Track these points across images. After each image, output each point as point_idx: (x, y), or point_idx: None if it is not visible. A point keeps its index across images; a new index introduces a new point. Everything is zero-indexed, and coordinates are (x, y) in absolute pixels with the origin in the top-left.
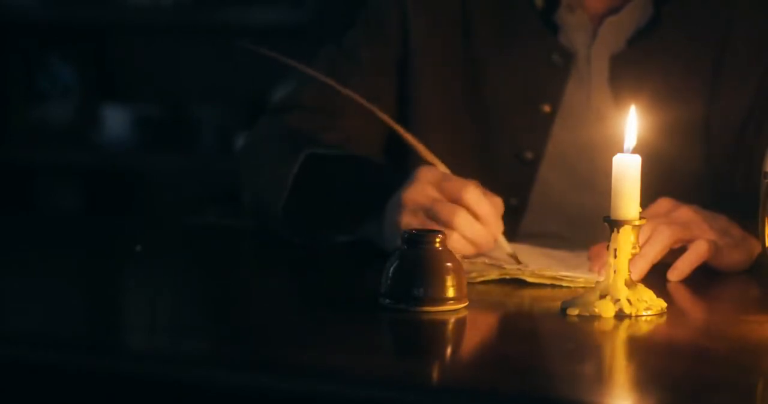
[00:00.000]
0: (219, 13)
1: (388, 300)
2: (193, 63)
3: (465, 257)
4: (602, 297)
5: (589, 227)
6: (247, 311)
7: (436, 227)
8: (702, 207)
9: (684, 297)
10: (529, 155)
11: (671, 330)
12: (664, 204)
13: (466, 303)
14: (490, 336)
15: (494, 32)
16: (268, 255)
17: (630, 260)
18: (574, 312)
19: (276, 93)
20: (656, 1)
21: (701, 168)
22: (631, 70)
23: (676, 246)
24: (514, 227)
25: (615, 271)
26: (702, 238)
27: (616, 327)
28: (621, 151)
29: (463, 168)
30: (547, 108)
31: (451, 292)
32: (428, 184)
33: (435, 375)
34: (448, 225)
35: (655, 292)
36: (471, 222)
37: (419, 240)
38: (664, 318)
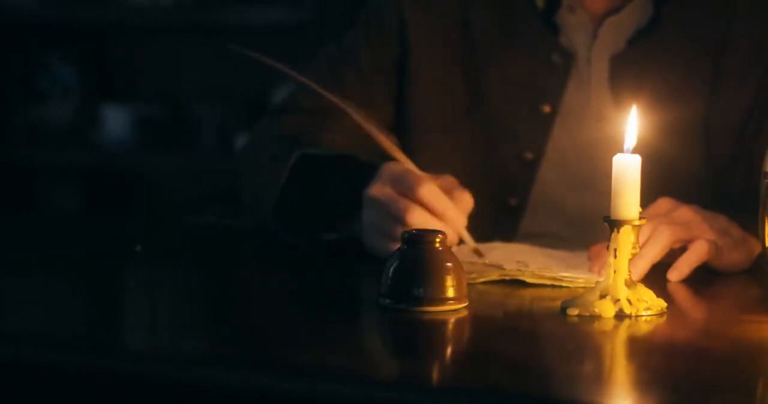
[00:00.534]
0: (219, 13)
1: (388, 300)
2: (193, 63)
3: None
4: (602, 297)
5: (588, 227)
6: (247, 311)
7: (396, 224)
8: (702, 208)
9: (684, 297)
10: (529, 155)
11: (671, 330)
12: (664, 204)
13: (466, 303)
14: (490, 336)
15: (494, 32)
16: (268, 255)
17: (630, 260)
18: (574, 312)
19: (276, 93)
20: (656, 1)
21: (701, 168)
22: (631, 70)
23: (676, 246)
24: (513, 227)
25: (615, 271)
26: (702, 238)
27: (616, 327)
28: (621, 151)
29: (462, 167)
30: (547, 108)
31: (451, 292)
32: (387, 181)
33: (435, 375)
34: (402, 222)
35: (655, 292)
36: (425, 219)
37: (419, 240)
38: (664, 318)
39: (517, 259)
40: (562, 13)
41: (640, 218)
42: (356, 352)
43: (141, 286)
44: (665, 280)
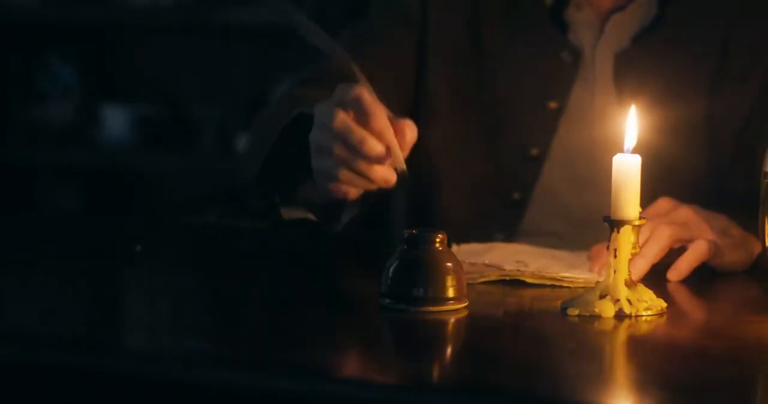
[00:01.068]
0: (219, 13)
1: (388, 300)
2: (193, 63)
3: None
4: (602, 297)
5: (590, 226)
6: (247, 311)
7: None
8: (702, 207)
9: (684, 297)
10: (534, 152)
11: (671, 330)
12: (663, 204)
13: (466, 303)
14: (490, 336)
15: (503, 28)
16: (268, 255)
17: (630, 260)
18: (574, 312)
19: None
20: (661, 0)
21: (702, 167)
22: (635, 68)
23: (676, 246)
24: (516, 223)
25: (615, 271)
26: (702, 238)
27: (616, 327)
28: (622, 150)
29: (468, 160)
30: (553, 104)
31: (451, 292)
32: (340, 105)
33: (435, 375)
34: (360, 154)
35: (655, 292)
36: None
37: (419, 240)
38: (664, 318)
39: (517, 259)
40: (569, 11)
41: (640, 218)
42: (356, 352)
43: (141, 286)
44: (665, 280)
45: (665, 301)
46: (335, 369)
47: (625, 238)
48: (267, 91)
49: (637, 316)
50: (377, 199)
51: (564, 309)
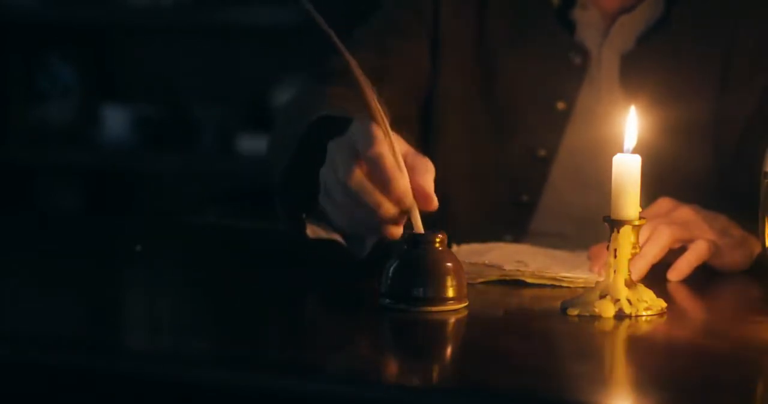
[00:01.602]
0: (219, 13)
1: (388, 300)
2: (193, 63)
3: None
4: (602, 297)
5: (597, 227)
6: (247, 311)
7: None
8: (702, 207)
9: (684, 297)
10: (542, 152)
11: (671, 330)
12: (663, 204)
13: (466, 303)
14: (490, 336)
15: (510, 29)
16: (268, 255)
17: (630, 260)
18: (574, 312)
19: (276, 93)
20: (667, 0)
21: (704, 167)
22: (640, 68)
23: (676, 246)
24: (524, 224)
25: (615, 271)
26: (702, 238)
27: (616, 327)
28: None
29: (476, 161)
30: (561, 105)
31: (451, 292)
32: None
33: (435, 375)
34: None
35: (655, 292)
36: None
37: (419, 241)
38: (664, 318)
39: (517, 259)
40: (575, 12)
41: (640, 218)
42: (356, 352)
43: (141, 286)
44: (665, 280)
45: (665, 301)
46: (335, 369)
47: (625, 238)
48: (267, 91)
49: (637, 316)
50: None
51: (564, 309)
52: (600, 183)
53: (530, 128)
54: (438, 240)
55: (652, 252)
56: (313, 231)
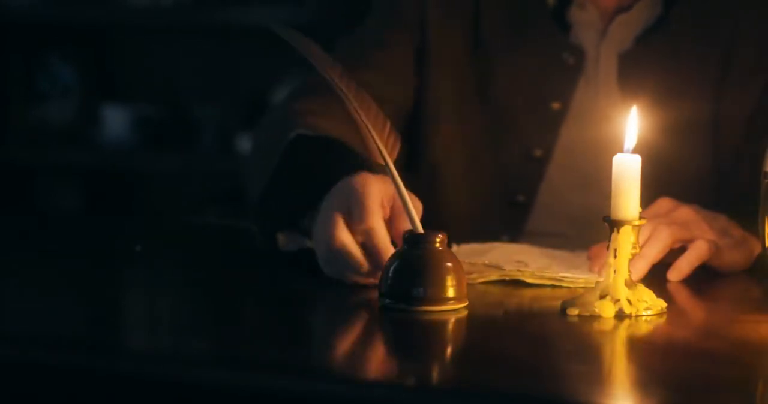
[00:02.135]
0: (219, 13)
1: (388, 300)
2: (193, 63)
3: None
4: (602, 297)
5: (594, 227)
6: (247, 311)
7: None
8: (702, 207)
9: (684, 297)
10: (537, 153)
11: (671, 330)
12: (663, 204)
13: (466, 303)
14: (490, 336)
15: (505, 29)
16: (268, 255)
17: (630, 260)
18: (574, 312)
19: (276, 93)
20: (666, 0)
21: (704, 167)
22: (638, 68)
23: (676, 246)
24: (520, 224)
25: (615, 271)
26: (702, 238)
27: (616, 327)
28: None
29: (471, 162)
30: (556, 105)
31: (451, 292)
32: (341, 214)
33: (435, 375)
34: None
35: (655, 292)
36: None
37: (419, 240)
38: (664, 318)
39: (517, 259)
40: (572, 11)
41: (640, 218)
42: (356, 352)
43: (141, 286)
44: (665, 280)
45: (665, 301)
46: (335, 369)
47: (625, 238)
48: (267, 91)
49: (637, 316)
50: None
51: (564, 309)
52: (597, 182)
53: (526, 128)
54: (438, 240)
55: (652, 253)
56: (284, 243)
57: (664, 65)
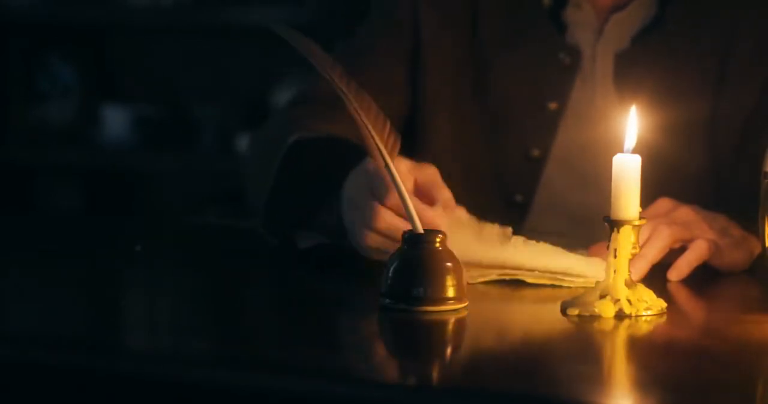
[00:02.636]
0: (219, 13)
1: (388, 300)
2: (193, 63)
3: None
4: (602, 297)
5: (592, 226)
6: (247, 311)
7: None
8: (702, 207)
9: (684, 297)
10: (535, 153)
11: (671, 330)
12: (663, 204)
13: (466, 303)
14: (490, 336)
15: (501, 30)
16: (267, 255)
17: (630, 260)
18: (574, 312)
19: (276, 93)
20: (661, 0)
21: (703, 167)
22: (635, 68)
23: (676, 246)
24: (518, 224)
25: (615, 271)
26: (702, 238)
27: (616, 327)
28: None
29: (469, 163)
30: (553, 105)
31: (451, 292)
32: (363, 183)
33: (435, 375)
34: (371, 228)
35: (655, 292)
36: (393, 223)
37: (419, 240)
38: (664, 318)
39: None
40: (568, 11)
41: (640, 218)
42: (356, 352)
43: (141, 286)
44: (665, 280)
45: (665, 301)
46: (335, 369)
47: (625, 238)
48: (267, 91)
49: (637, 316)
50: None
51: (564, 309)
52: (596, 182)
53: (523, 128)
54: (438, 240)
55: (652, 253)
56: (300, 241)
57: (661, 65)
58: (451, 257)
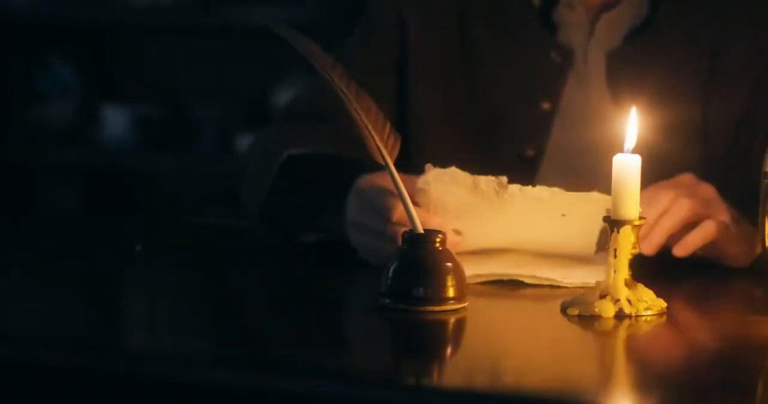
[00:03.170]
0: (219, 13)
1: (388, 300)
2: (193, 63)
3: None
4: (602, 297)
5: None
6: (247, 311)
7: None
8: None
9: (684, 297)
10: (529, 153)
11: (671, 330)
12: (687, 178)
13: (466, 303)
14: (490, 336)
15: (492, 31)
16: (267, 255)
17: (630, 260)
18: (574, 312)
19: (276, 94)
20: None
21: (698, 167)
22: (627, 67)
23: (692, 220)
24: None
25: (615, 271)
26: (715, 218)
27: (616, 327)
28: (619, 149)
29: (463, 165)
30: (546, 105)
31: (451, 292)
32: (364, 206)
33: (435, 375)
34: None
35: (655, 292)
36: None
37: (419, 240)
38: (664, 318)
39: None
40: (558, 11)
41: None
42: (356, 352)
43: (141, 286)
44: (665, 280)
45: (665, 301)
46: (335, 369)
47: (625, 238)
48: (267, 91)
49: (637, 316)
50: None
51: (564, 309)
52: (590, 182)
53: (516, 129)
54: (438, 240)
55: (669, 224)
56: (305, 236)
57: (654, 64)
58: (451, 257)
